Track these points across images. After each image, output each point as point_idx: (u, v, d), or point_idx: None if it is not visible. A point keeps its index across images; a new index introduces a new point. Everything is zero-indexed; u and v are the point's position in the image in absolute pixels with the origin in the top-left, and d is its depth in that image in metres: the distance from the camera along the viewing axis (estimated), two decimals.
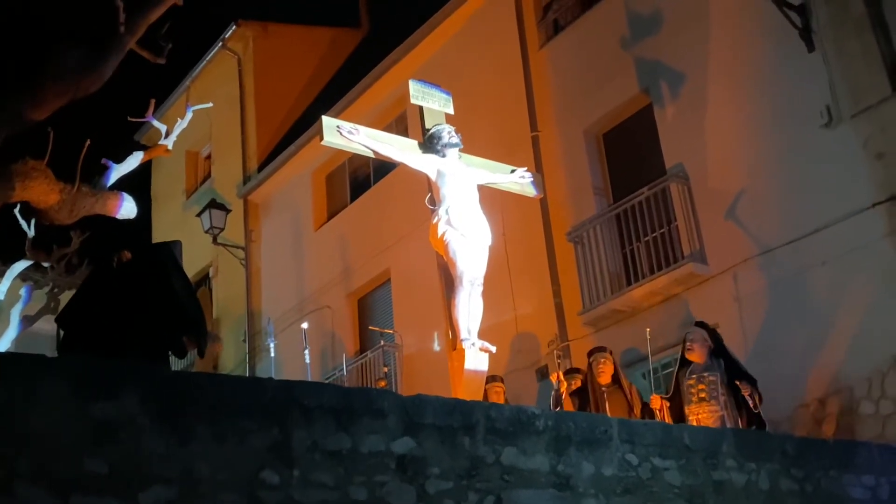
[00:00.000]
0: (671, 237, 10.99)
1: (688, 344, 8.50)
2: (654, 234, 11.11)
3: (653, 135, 11.56)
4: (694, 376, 8.40)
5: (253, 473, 4.64)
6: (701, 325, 8.75)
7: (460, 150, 8.12)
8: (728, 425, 8.00)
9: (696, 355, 8.42)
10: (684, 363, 8.55)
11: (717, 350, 8.49)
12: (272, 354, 10.55)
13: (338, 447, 4.93)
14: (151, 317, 5.62)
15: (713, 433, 6.73)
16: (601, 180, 12.26)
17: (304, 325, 10.56)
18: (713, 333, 8.62)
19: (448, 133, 7.97)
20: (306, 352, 10.12)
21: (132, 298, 5.74)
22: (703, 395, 8.27)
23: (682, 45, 11.26)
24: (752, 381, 8.27)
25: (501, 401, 9.31)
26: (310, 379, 11.54)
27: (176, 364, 9.58)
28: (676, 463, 6.17)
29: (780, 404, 9.12)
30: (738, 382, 8.17)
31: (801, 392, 9.34)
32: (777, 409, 9.11)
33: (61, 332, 6.31)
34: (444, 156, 7.96)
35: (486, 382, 9.14)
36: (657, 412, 8.37)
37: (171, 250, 6.18)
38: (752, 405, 8.13)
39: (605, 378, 8.79)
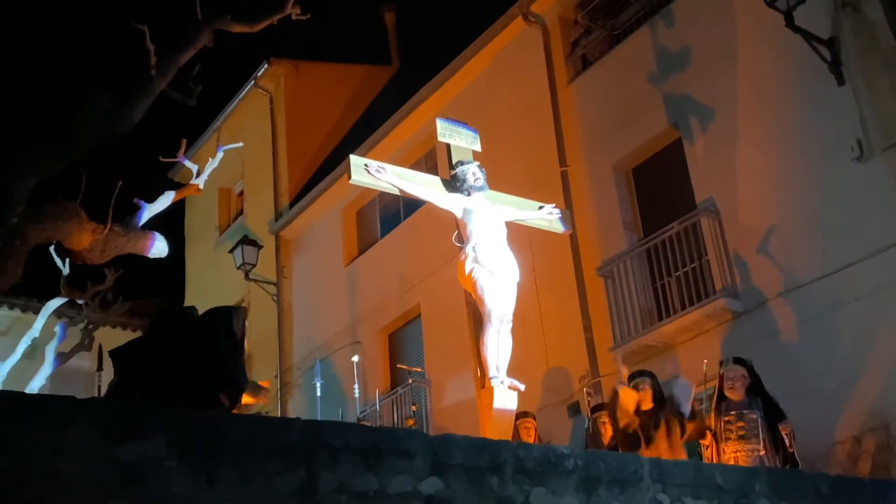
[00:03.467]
0: (702, 272, 10.92)
1: (728, 382, 8.37)
2: (684, 269, 11.04)
3: (682, 169, 11.52)
4: (732, 413, 8.26)
5: None
6: (739, 361, 8.56)
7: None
8: (767, 465, 7.89)
9: (736, 393, 8.33)
10: (721, 398, 8.42)
11: (755, 387, 8.38)
12: (318, 394, 10.53)
13: (364, 488, 4.91)
14: (192, 371, 5.69)
15: (746, 472, 6.64)
16: (631, 215, 12.23)
17: (355, 359, 10.57)
18: (751, 370, 8.50)
19: (473, 175, 7.97)
20: (356, 386, 10.15)
21: (178, 353, 5.81)
22: (741, 432, 8.16)
23: (711, 79, 11.25)
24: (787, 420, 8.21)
25: (532, 437, 9.23)
26: (358, 412, 11.57)
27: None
28: (709, 503, 6.10)
29: (814, 442, 8.99)
30: (780, 424, 8.08)
31: (835, 429, 9.21)
32: (811, 446, 8.98)
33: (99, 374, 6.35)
34: (469, 195, 7.98)
35: (517, 419, 9.08)
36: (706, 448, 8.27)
37: (229, 314, 6.25)
38: (788, 444, 8.04)
39: (646, 403, 8.59)
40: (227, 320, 6.00)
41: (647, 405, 8.51)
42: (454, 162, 8.16)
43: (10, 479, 4.09)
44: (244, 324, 6.33)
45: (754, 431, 8.12)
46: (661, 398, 8.59)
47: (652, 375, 8.73)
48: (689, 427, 8.34)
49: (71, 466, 4.21)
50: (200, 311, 6.34)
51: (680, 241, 11.10)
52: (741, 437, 8.13)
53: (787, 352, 9.88)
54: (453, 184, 8.05)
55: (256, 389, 7.44)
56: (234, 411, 5.94)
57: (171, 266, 20.39)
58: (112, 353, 6.07)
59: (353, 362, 10.48)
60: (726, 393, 8.37)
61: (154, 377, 5.65)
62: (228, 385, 5.82)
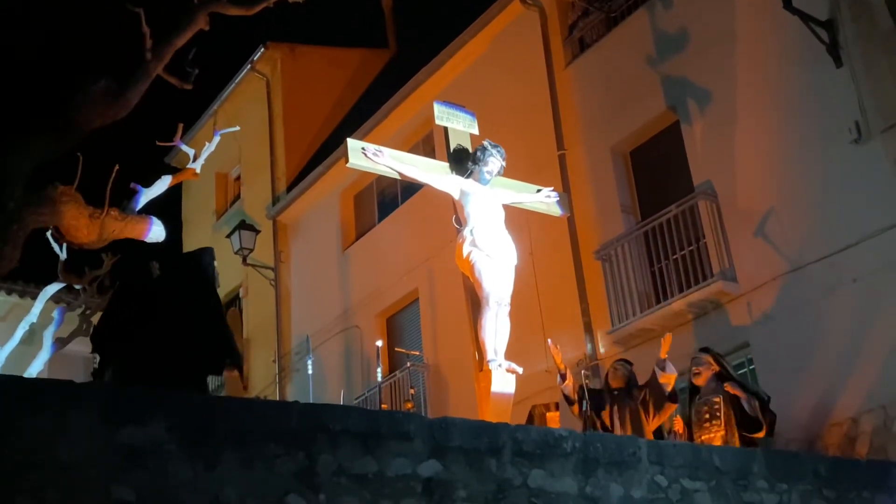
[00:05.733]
0: (700, 255, 10.92)
1: (694, 369, 8.69)
2: (682, 252, 11.04)
3: (680, 152, 11.51)
4: (701, 401, 8.60)
5: (279, 499, 4.64)
6: (705, 350, 8.90)
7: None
8: (728, 442, 8.18)
9: (701, 379, 8.64)
10: (694, 389, 8.71)
11: (723, 374, 8.65)
12: (310, 371, 10.58)
13: (364, 471, 4.93)
14: (189, 339, 5.66)
15: (743, 454, 6.67)
16: (629, 198, 12.22)
17: (379, 343, 10.69)
18: (718, 358, 8.76)
19: (488, 168, 7.97)
20: (378, 370, 10.23)
21: (168, 319, 5.78)
22: (706, 416, 8.35)
23: (709, 61, 11.22)
24: (758, 398, 8.40)
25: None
26: (366, 391, 11.62)
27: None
28: (707, 485, 6.13)
29: (812, 423, 9.02)
30: (727, 386, 8.36)
31: (833, 411, 9.23)
32: (809, 427, 9.01)
33: (96, 356, 6.34)
34: (467, 177, 7.98)
35: (549, 411, 9.23)
36: (679, 435, 8.43)
37: (202, 261, 6.21)
38: (747, 409, 8.29)
39: (616, 382, 8.91)
40: (203, 270, 5.95)
41: (617, 384, 8.92)
42: (485, 144, 8.11)
43: (11, 465, 4.10)
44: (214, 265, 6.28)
45: (717, 413, 8.36)
46: (632, 382, 8.96)
47: (628, 362, 9.21)
48: (664, 411, 8.59)
49: (72, 451, 4.22)
50: None
51: (678, 224, 11.09)
52: (705, 420, 8.31)
53: (785, 334, 9.89)
54: (462, 161, 8.05)
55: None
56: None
57: (169, 251, 20.35)
58: (93, 339, 6.04)
59: (376, 346, 10.62)
60: (694, 381, 8.57)
61: (139, 356, 5.61)
62: (227, 351, 5.78)
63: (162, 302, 5.99)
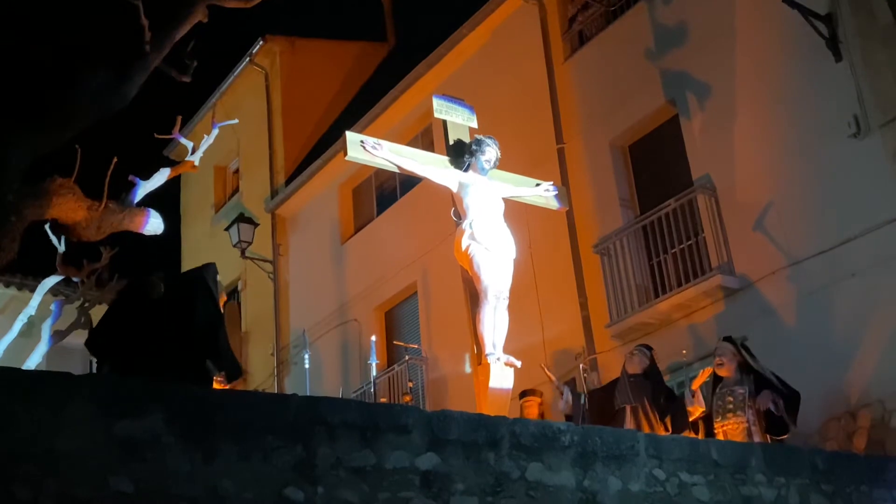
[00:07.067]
0: (699, 249, 10.92)
1: (717, 359, 8.48)
2: (681, 246, 11.04)
3: (679, 146, 11.51)
4: (724, 390, 8.42)
5: (277, 491, 4.65)
6: (728, 339, 8.69)
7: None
8: (755, 438, 7.99)
9: (725, 370, 8.41)
10: (717, 379, 8.53)
11: (748, 365, 8.46)
12: (307, 366, 10.61)
13: (362, 463, 4.94)
14: (176, 343, 5.67)
15: (742, 448, 6.68)
16: (627, 192, 12.21)
17: (374, 339, 10.77)
18: (743, 347, 8.58)
19: (486, 157, 7.97)
20: (373, 364, 10.30)
21: (158, 325, 5.79)
22: (730, 406, 8.26)
23: (708, 55, 11.21)
24: (782, 393, 8.22)
25: (535, 413, 9.20)
26: (373, 390, 11.69)
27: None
28: (705, 478, 6.14)
29: (809, 417, 9.02)
30: (756, 398, 8.18)
31: (831, 405, 9.24)
32: (807, 422, 9.01)
33: (93, 360, 6.34)
34: (466, 170, 7.99)
35: (521, 396, 9.13)
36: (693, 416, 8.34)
37: (202, 275, 6.21)
38: (773, 410, 8.10)
39: (633, 368, 8.70)
40: (203, 282, 5.96)
41: (634, 370, 8.67)
42: (479, 137, 8.11)
43: (9, 456, 4.10)
44: (218, 280, 6.28)
45: (741, 405, 8.22)
46: (650, 372, 8.73)
47: (649, 348, 8.96)
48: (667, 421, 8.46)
49: (69, 443, 4.22)
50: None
51: (676, 218, 11.09)
52: (729, 411, 8.24)
53: (783, 328, 9.90)
54: (458, 154, 8.04)
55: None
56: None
57: (167, 243, 20.39)
58: (89, 344, 6.02)
59: (371, 341, 10.71)
60: (717, 371, 8.47)
61: (143, 359, 5.62)
62: (213, 355, 5.79)
63: (160, 306, 6.00)
